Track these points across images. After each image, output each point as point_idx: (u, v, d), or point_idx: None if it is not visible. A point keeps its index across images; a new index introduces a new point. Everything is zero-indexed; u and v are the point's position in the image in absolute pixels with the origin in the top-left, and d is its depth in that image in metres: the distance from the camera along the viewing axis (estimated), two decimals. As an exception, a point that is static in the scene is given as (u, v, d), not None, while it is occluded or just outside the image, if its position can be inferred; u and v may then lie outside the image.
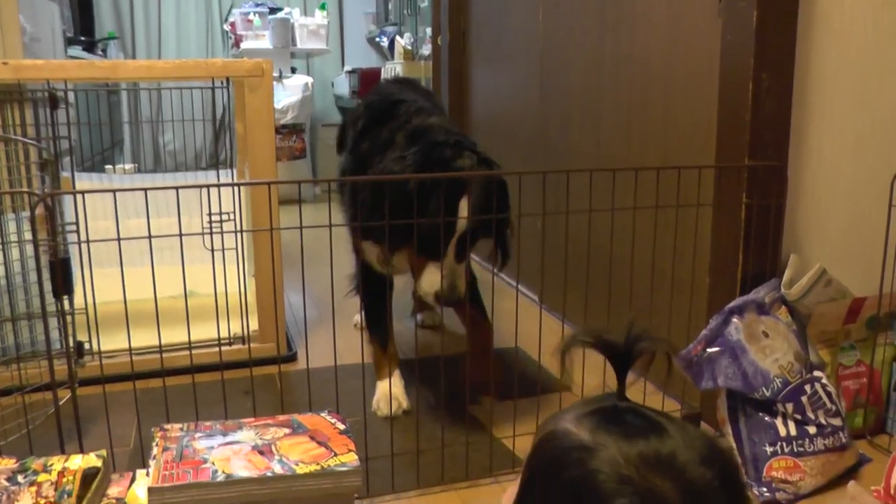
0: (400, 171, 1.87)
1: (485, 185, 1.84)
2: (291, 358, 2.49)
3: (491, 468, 1.80)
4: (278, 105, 5.42)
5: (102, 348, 2.17)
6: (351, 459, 1.38)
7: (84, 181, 2.73)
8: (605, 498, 0.70)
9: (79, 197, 1.79)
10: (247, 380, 1.79)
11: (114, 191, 1.42)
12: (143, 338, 1.74)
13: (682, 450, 0.73)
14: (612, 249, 1.81)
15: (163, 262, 1.55)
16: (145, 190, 1.40)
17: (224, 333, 2.28)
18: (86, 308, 1.67)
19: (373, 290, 2.17)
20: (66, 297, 1.85)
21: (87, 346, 2.21)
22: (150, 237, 1.43)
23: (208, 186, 1.37)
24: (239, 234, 1.62)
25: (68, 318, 2.04)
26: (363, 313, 2.27)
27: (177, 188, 1.39)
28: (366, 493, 1.69)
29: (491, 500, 1.71)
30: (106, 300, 1.71)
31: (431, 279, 1.85)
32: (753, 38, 1.75)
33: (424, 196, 1.76)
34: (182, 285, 1.61)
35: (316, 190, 5.49)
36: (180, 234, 1.44)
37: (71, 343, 2.09)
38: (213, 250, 1.52)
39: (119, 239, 1.40)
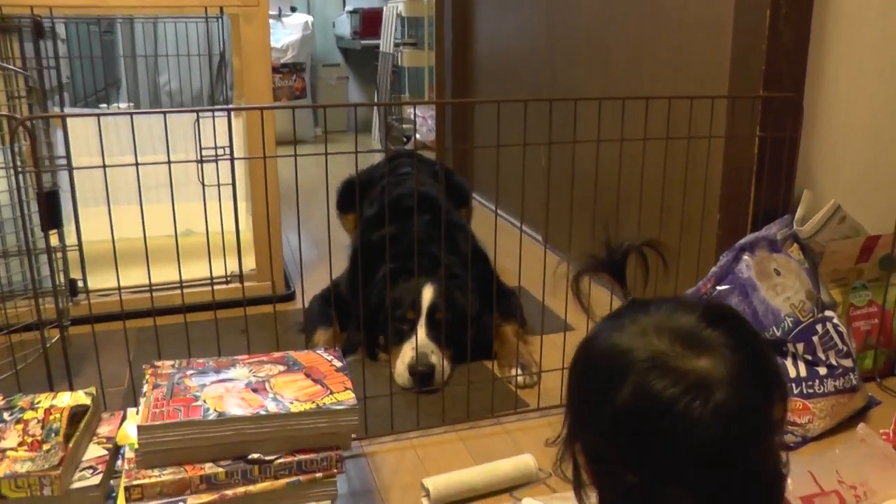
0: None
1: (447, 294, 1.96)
2: (290, 297, 2.44)
3: (493, 409, 1.77)
4: (278, 44, 5.31)
5: (100, 286, 2.14)
6: (348, 398, 1.34)
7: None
8: (620, 356, 0.80)
9: (70, 129, 1.74)
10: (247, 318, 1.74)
11: (98, 115, 1.36)
12: (141, 276, 1.69)
13: (666, 314, 0.83)
14: (620, 184, 1.74)
15: (160, 201, 1.49)
16: (131, 114, 1.33)
17: (221, 272, 2.24)
18: (79, 244, 1.63)
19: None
20: (54, 231, 1.80)
21: (80, 283, 2.16)
22: (136, 164, 1.36)
23: (197, 111, 1.31)
24: (232, 169, 1.55)
25: (59, 254, 2.00)
26: (306, 315, 2.13)
27: (164, 112, 1.32)
28: (364, 434, 1.66)
29: (493, 441, 1.68)
30: (102, 238, 1.65)
31: (403, 358, 1.90)
32: (772, -38, 1.67)
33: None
34: (183, 223, 1.55)
35: (316, 130, 5.41)
36: (168, 162, 1.37)
37: (62, 280, 2.05)
38: (203, 184, 1.46)
39: (104, 167, 1.34)
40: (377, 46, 5.51)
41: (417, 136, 4.92)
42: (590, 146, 1.65)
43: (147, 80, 5.16)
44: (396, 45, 5.25)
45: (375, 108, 5.68)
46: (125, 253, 1.59)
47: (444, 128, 3.95)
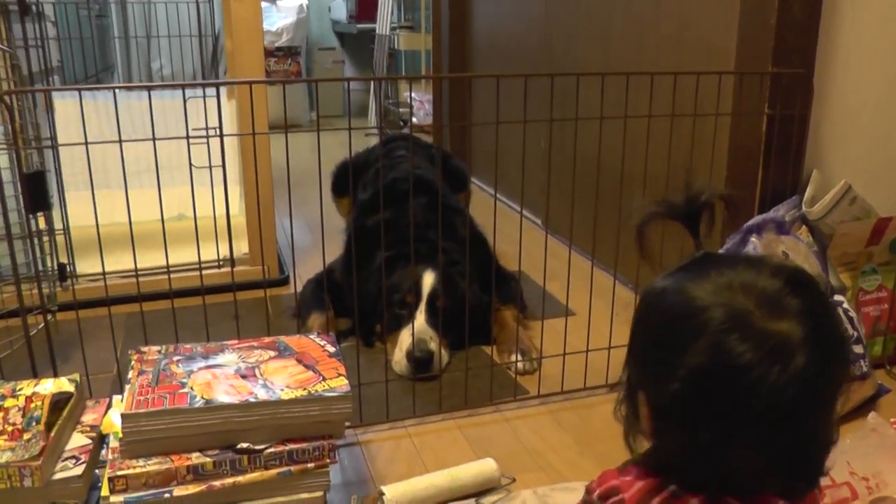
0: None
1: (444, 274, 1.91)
2: (283, 281, 2.39)
3: (491, 396, 1.72)
4: (272, 27, 5.25)
5: (91, 271, 2.09)
6: (340, 384, 1.29)
7: (67, 98, 2.60)
8: (698, 313, 0.78)
9: (60, 115, 1.68)
10: (239, 303, 1.69)
11: (79, 89, 1.30)
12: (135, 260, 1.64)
13: (752, 274, 0.81)
14: (623, 165, 1.69)
15: (154, 185, 1.45)
16: (113, 88, 1.28)
17: (214, 256, 2.19)
18: (65, 228, 1.57)
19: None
20: (41, 214, 1.75)
21: (69, 268, 2.12)
22: (119, 141, 1.30)
23: (184, 86, 1.25)
24: (222, 146, 1.50)
25: (46, 238, 1.95)
26: (299, 300, 2.11)
27: (148, 87, 1.27)
28: (359, 422, 1.61)
29: (491, 429, 1.63)
30: (94, 222, 1.60)
31: (401, 345, 1.85)
32: (782, -68, 1.61)
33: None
34: (176, 208, 1.51)
35: (311, 115, 5.35)
36: (153, 139, 1.31)
37: (49, 264, 2.00)
38: (191, 164, 1.41)
39: (87, 143, 1.28)
40: (373, 30, 5.46)
41: (414, 119, 4.86)
42: (591, 127, 1.60)
43: (140, 65, 5.10)
44: (393, 28, 5.19)
45: (371, 94, 5.61)
46: (120, 237, 1.54)
47: (440, 108, 3.90)
